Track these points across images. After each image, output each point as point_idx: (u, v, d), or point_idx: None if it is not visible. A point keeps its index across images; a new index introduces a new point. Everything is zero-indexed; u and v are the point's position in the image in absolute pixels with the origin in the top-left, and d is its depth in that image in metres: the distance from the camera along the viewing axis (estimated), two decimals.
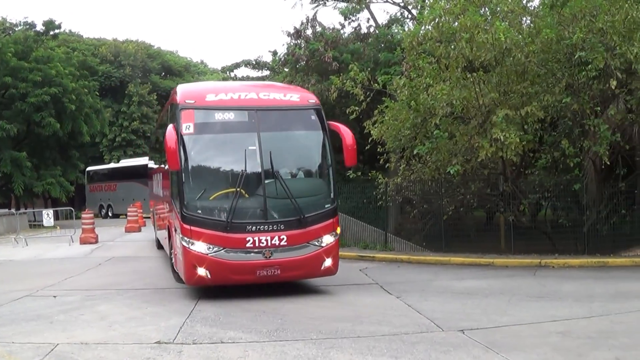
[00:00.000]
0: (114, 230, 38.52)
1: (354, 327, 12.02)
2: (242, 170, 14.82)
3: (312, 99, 16.63)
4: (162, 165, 22.48)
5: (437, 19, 21.27)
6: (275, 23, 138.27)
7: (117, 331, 11.96)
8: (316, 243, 15.31)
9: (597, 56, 18.75)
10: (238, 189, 14.72)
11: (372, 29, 38.19)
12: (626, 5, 19.11)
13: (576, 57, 19.43)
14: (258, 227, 14.83)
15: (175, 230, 15.85)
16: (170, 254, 17.73)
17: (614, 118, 20.19)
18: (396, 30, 37.99)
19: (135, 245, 29.60)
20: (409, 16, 38.49)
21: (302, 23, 37.66)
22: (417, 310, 13.41)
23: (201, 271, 14.65)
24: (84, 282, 18.28)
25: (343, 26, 38.40)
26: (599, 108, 20.31)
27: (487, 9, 22.15)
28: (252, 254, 14.73)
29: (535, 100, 19.88)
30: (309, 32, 37.13)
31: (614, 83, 18.78)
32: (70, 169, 50.27)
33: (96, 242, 30.51)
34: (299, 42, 36.80)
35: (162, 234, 21.65)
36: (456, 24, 20.72)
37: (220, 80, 43.73)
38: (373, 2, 40.16)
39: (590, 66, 19.16)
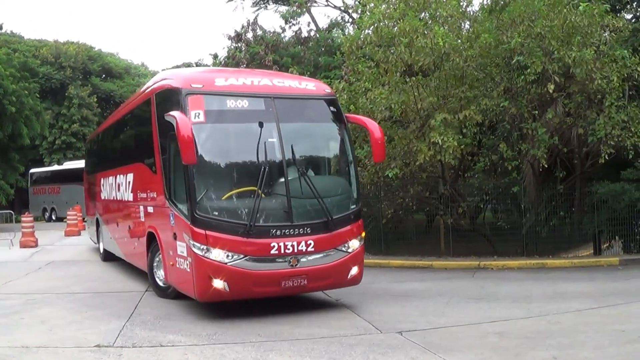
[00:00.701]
0: (54, 233, 37.49)
1: (293, 329, 11.81)
2: (263, 166, 12.68)
3: (328, 89, 14.94)
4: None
5: (376, 24, 21.13)
6: (217, 26, 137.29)
7: (57, 335, 11.55)
8: (343, 249, 13.40)
9: (536, 60, 18.75)
10: (260, 188, 12.61)
11: (312, 33, 38.16)
12: (565, 10, 19.25)
13: (514, 61, 19.43)
14: (283, 230, 12.73)
15: (175, 236, 13.43)
16: (152, 266, 15.45)
17: (552, 121, 20.13)
18: (336, 34, 37.99)
19: (74, 249, 28.68)
20: (350, 20, 38.44)
21: (242, 26, 37.52)
22: (356, 313, 13.19)
23: (218, 283, 12.35)
24: (24, 285, 17.59)
25: (284, 30, 38.33)
26: (537, 112, 20.30)
27: (426, 13, 22.00)
28: (277, 262, 12.65)
29: (474, 104, 19.82)
30: (249, 35, 36.94)
31: (551, 87, 18.79)
32: (10, 171, 48.74)
33: (36, 245, 29.51)
34: (239, 45, 36.54)
35: (127, 243, 18.61)
36: (395, 28, 20.62)
37: None
38: (314, 6, 40.23)
39: (528, 70, 19.10)
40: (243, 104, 13.25)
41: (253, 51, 34.13)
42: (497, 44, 19.52)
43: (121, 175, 18.93)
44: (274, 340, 10.99)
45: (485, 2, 22.59)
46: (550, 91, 19.13)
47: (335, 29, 38.86)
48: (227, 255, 12.36)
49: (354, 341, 10.87)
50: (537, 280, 17.22)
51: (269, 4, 40.57)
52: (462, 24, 22.29)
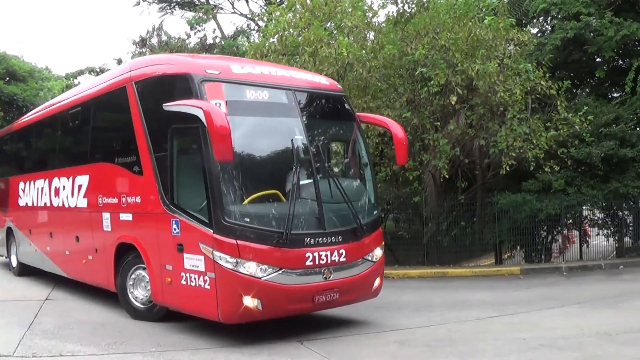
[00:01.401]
0: None
1: (194, 340, 11.36)
2: (293, 166, 11.24)
3: (338, 85, 13.81)
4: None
5: (281, 32, 20.87)
6: (123, 31, 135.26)
7: None
8: (369, 258, 12.11)
9: (439, 72, 18.70)
10: (294, 191, 11.13)
11: (218, 40, 37.62)
12: (470, 23, 19.35)
13: (418, 73, 19.42)
14: (317, 239, 11.23)
15: (180, 248, 11.24)
16: (125, 284, 13.16)
17: (454, 133, 20.19)
18: (242, 42, 37.59)
19: None
20: (256, 28, 38.13)
21: (148, 32, 36.77)
22: None
23: (249, 302, 10.54)
24: None
25: (189, 36, 37.65)
26: (439, 123, 20.33)
27: (332, 23, 21.85)
28: (311, 274, 11.15)
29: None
30: (154, 40, 36.21)
31: (454, 99, 18.80)
32: None
33: None
34: (144, 50, 35.76)
35: (71, 257, 15.80)
36: (300, 38, 20.37)
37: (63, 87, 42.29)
38: (220, 13, 39.81)
39: (432, 82, 19.05)
40: (264, 95, 11.71)
41: None
42: (401, 55, 19.42)
43: (63, 179, 16.01)
44: (175, 350, 10.57)
45: (390, 14, 22.54)
46: (453, 103, 19.12)
47: (240, 36, 38.54)
48: (262, 269, 10.64)
49: (255, 350, 10.59)
50: (438, 289, 17.25)
51: (175, 10, 39.98)
52: (367, 35, 22.17)
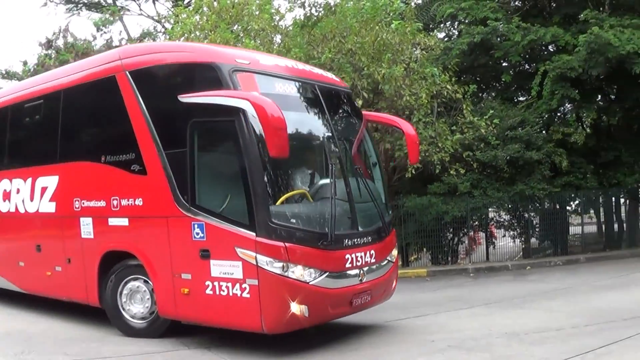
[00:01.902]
0: None
1: (101, 347, 10.92)
2: (330, 164, 10.82)
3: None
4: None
5: (187, 34, 20.55)
6: (30, 32, 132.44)
7: None
8: (390, 258, 11.87)
9: (345, 76, 18.49)
10: (333, 189, 10.53)
11: (124, 42, 36.99)
12: (377, 27, 19.34)
13: None
14: (353, 240, 10.85)
15: (205, 254, 10.27)
16: (116, 298, 11.88)
17: None
18: None
19: None
20: (162, 30, 37.68)
21: (54, 33, 35.89)
22: None
23: (296, 308, 9.87)
24: None
25: (95, 37, 36.90)
26: None
27: (239, 26, 21.59)
28: (349, 277, 10.74)
29: None
30: (60, 42, 35.41)
31: (360, 102, 18.65)
32: None
33: None
34: (49, 52, 34.94)
35: (30, 269, 13.96)
36: (206, 40, 20.05)
37: None
38: (127, 15, 39.12)
39: None
40: (291, 89, 11.24)
41: (63, 58, 32.70)
42: (308, 58, 19.19)
43: (17, 180, 14.26)
44: (82, 359, 10.21)
45: (297, 17, 22.40)
46: (359, 106, 19.01)
47: (147, 38, 37.96)
48: (309, 273, 10.06)
49: (162, 358, 10.36)
50: None
51: (82, 11, 39.17)
52: (274, 38, 21.93)
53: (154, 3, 38.78)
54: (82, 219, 12.42)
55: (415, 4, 26.73)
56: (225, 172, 10.57)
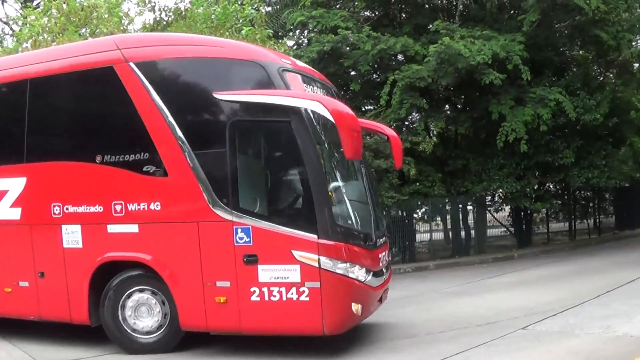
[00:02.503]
0: None
1: None
2: (355, 166, 11.23)
3: None
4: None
5: (34, 37, 20.01)
6: None
7: None
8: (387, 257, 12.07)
9: None
10: (369, 190, 11.25)
11: None
12: (227, 33, 19.45)
13: None
14: (380, 240, 11.31)
15: (251, 259, 9.96)
16: (120, 315, 11.03)
17: None
18: None
19: None
20: (10, 32, 36.63)
21: None
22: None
23: (354, 307, 10.10)
24: None
25: None
26: None
27: (87, 29, 21.19)
28: (380, 275, 11.15)
29: None
30: None
31: None
32: None
33: None
34: None
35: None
36: (54, 43, 19.59)
37: None
38: None
39: None
40: (319, 91, 11.23)
41: None
42: None
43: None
44: None
45: (147, 21, 22.18)
46: None
47: None
48: (363, 272, 10.26)
49: None
50: None
51: None
52: None
53: (3, 4, 37.61)
54: (65, 227, 11.36)
55: (265, 11, 26.93)
56: (278, 175, 10.51)
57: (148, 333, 10.91)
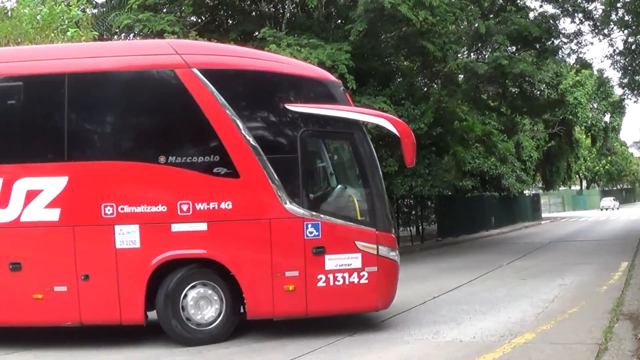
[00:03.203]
0: None
1: None
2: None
3: None
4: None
5: None
6: None
7: None
8: None
9: None
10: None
11: None
12: (52, 34, 19.04)
13: None
14: None
15: (320, 250, 11.27)
16: (181, 310, 11.36)
17: None
18: None
19: None
20: None
21: None
22: None
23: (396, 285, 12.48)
24: None
25: None
26: None
27: None
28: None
29: None
30: None
31: None
32: None
33: None
34: None
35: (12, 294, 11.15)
36: None
37: None
38: None
39: None
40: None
41: None
42: None
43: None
44: None
45: None
46: None
47: None
48: (397, 255, 12.35)
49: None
50: None
51: None
52: None
53: None
54: (118, 227, 11.25)
55: (92, 13, 26.41)
56: (342, 177, 12.76)
57: (208, 324, 11.53)
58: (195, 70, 11.42)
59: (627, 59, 37.87)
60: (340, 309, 11.96)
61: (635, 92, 41.18)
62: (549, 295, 15.58)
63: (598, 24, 34.47)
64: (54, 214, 11.28)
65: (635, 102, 70.82)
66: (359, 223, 11.82)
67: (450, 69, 29.17)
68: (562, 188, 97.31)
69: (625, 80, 39.98)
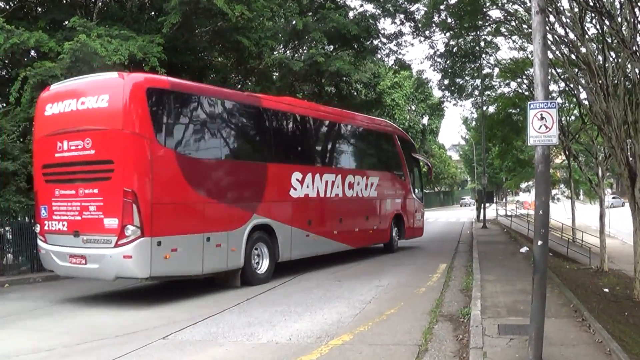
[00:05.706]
0: None
1: None
2: None
3: None
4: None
5: None
6: None
7: None
8: None
9: None
10: None
11: None
12: None
13: None
14: None
15: (415, 210, 30.66)
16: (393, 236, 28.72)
17: None
18: None
19: None
20: None
21: None
22: None
23: None
24: None
25: None
26: None
27: None
28: None
29: None
30: None
31: None
32: None
33: None
34: None
35: (362, 232, 25.41)
36: None
37: None
38: None
39: None
40: None
41: None
42: None
43: (357, 177, 25.01)
44: None
45: None
46: None
47: None
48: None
49: None
50: None
51: None
52: None
53: None
54: (385, 201, 27.49)
55: None
56: (415, 180, 31.24)
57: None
58: (396, 135, 29.47)
59: (447, 61, 39.32)
60: (417, 234, 31.52)
61: (455, 94, 42.80)
62: (366, 296, 15.88)
63: (420, 25, 35.49)
64: (375, 193, 26.34)
65: (454, 104, 74.12)
66: (420, 200, 31.28)
67: (265, 65, 29.19)
68: None
69: (446, 82, 41.69)
